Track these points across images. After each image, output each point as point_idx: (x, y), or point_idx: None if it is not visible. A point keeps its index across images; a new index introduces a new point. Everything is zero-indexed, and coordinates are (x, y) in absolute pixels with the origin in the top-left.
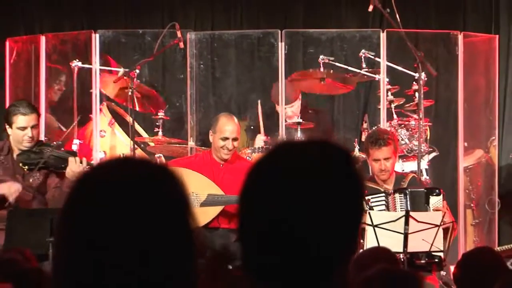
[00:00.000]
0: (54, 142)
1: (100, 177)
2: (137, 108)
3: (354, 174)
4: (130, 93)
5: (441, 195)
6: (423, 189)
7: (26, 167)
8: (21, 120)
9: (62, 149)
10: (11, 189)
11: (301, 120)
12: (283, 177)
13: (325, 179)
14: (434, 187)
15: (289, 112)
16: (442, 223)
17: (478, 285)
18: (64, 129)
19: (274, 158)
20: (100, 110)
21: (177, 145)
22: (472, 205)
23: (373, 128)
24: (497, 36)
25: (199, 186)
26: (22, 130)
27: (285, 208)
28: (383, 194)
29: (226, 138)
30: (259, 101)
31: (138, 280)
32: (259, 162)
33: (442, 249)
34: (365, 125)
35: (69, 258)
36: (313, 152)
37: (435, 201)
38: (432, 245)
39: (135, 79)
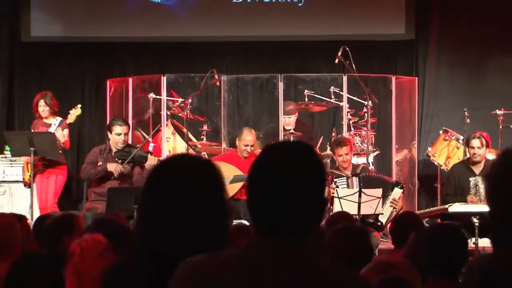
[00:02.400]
0: (138, 145)
1: (168, 166)
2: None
3: (320, 163)
4: (186, 114)
5: (403, 188)
6: (386, 179)
7: (120, 160)
8: (118, 129)
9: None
10: (116, 168)
11: (293, 131)
12: (281, 165)
13: (306, 167)
14: (399, 182)
15: (287, 121)
16: (381, 196)
17: (404, 234)
18: (146, 136)
19: (269, 153)
20: (166, 124)
21: (215, 146)
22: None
23: (338, 135)
24: (416, 78)
25: (228, 171)
26: (118, 135)
27: (280, 187)
28: (345, 178)
29: (246, 145)
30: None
31: (200, 233)
32: (259, 155)
33: (382, 212)
34: (333, 134)
35: (146, 218)
36: (299, 150)
37: (397, 191)
38: (376, 210)
39: (188, 105)
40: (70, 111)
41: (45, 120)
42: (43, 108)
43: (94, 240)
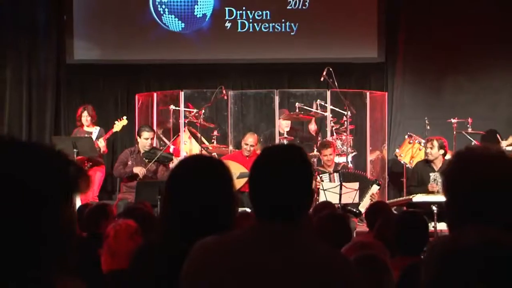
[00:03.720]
0: (161, 148)
1: (186, 164)
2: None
3: (308, 162)
4: (199, 122)
5: (380, 185)
6: (366, 176)
7: (147, 160)
8: (146, 134)
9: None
10: (140, 171)
11: (286, 135)
12: (277, 164)
13: (297, 165)
14: (378, 179)
15: (284, 124)
16: (358, 188)
17: (376, 220)
18: (167, 142)
19: (267, 153)
20: (184, 130)
21: (223, 148)
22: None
23: (323, 139)
24: (386, 93)
25: (235, 168)
26: (146, 140)
27: (276, 181)
28: (328, 173)
29: (247, 144)
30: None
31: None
32: (259, 155)
33: (359, 202)
34: (319, 138)
35: (167, 207)
36: (291, 151)
37: (375, 187)
38: (353, 199)
39: (202, 115)
40: (116, 122)
41: (85, 128)
42: (85, 118)
43: (126, 224)
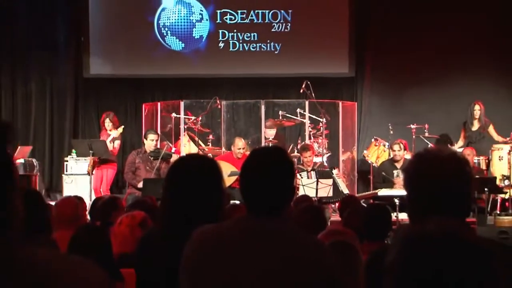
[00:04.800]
0: (164, 148)
1: (183, 162)
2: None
3: (290, 162)
4: (197, 127)
5: (336, 169)
6: (328, 169)
7: (152, 158)
8: (151, 136)
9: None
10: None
11: (272, 139)
12: (264, 164)
13: (281, 165)
14: (333, 166)
15: (269, 132)
16: (331, 184)
17: (345, 210)
18: (170, 144)
19: (255, 154)
20: (184, 135)
21: (217, 150)
22: (344, 176)
23: (303, 143)
24: (356, 102)
25: (227, 167)
26: (151, 141)
27: (263, 178)
28: (306, 171)
29: (238, 148)
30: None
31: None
32: (248, 156)
33: (332, 195)
34: (299, 141)
35: (166, 200)
36: (276, 153)
37: (335, 171)
38: (328, 193)
39: (199, 121)
40: (117, 128)
41: (109, 132)
42: (108, 123)
43: (131, 215)
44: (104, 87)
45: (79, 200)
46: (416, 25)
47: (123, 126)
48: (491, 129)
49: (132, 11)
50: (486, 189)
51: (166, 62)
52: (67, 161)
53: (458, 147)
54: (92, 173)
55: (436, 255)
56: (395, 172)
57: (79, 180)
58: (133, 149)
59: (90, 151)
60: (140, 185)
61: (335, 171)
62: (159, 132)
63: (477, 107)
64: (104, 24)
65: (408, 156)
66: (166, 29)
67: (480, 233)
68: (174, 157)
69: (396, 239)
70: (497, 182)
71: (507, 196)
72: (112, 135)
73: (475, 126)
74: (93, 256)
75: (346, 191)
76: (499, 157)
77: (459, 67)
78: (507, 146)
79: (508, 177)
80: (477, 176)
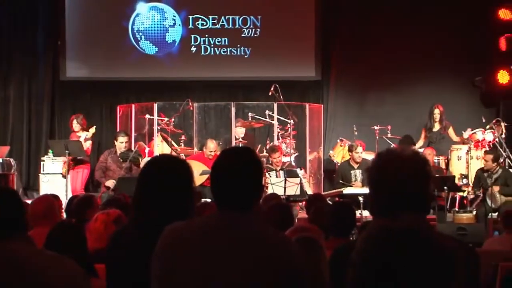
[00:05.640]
0: (136, 148)
1: (156, 162)
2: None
3: (259, 162)
4: (170, 128)
5: (302, 170)
6: (295, 169)
7: (122, 160)
8: (121, 138)
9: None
10: (111, 184)
11: (241, 139)
12: (235, 164)
13: (250, 164)
14: (300, 167)
15: (239, 131)
16: (299, 183)
17: (311, 207)
18: (144, 145)
19: (226, 154)
20: (157, 135)
21: (189, 150)
22: (311, 175)
23: (271, 144)
24: (322, 105)
25: (199, 167)
26: (121, 143)
27: (233, 177)
28: (274, 171)
29: (210, 151)
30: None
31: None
32: (219, 156)
33: (300, 193)
34: (268, 142)
35: (138, 198)
36: (245, 153)
37: (300, 172)
38: (296, 191)
39: (172, 122)
40: (89, 129)
41: (77, 134)
42: (75, 125)
43: (106, 213)
44: (80, 89)
45: (54, 198)
46: (379, 32)
47: (95, 126)
48: (450, 131)
49: (108, 16)
50: (445, 187)
51: (140, 66)
52: (43, 160)
53: (418, 147)
54: (67, 175)
55: (395, 249)
56: (352, 172)
57: (55, 179)
58: (105, 150)
59: (66, 151)
60: (108, 183)
61: (301, 172)
62: (133, 133)
63: (436, 110)
64: (80, 28)
65: (366, 156)
66: (140, 33)
67: (440, 230)
68: (145, 159)
69: (362, 235)
70: (456, 180)
71: (465, 194)
72: (83, 136)
73: (436, 127)
74: (69, 253)
75: (309, 192)
76: (458, 157)
77: (420, 71)
78: (465, 147)
79: (466, 176)
80: (437, 175)
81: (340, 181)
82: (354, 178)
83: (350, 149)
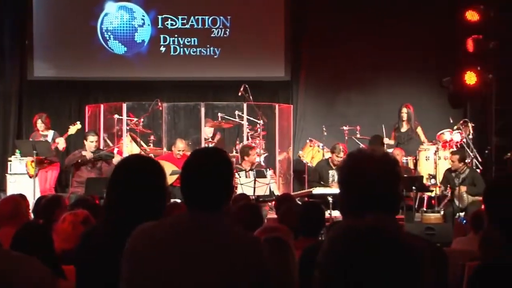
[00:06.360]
0: (104, 148)
1: (127, 162)
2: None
3: (229, 162)
4: (139, 128)
5: (271, 170)
6: (264, 168)
7: (93, 159)
8: (91, 138)
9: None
10: (88, 153)
11: (211, 140)
12: (205, 165)
13: (220, 165)
14: (268, 167)
15: (208, 132)
16: (268, 183)
17: (281, 207)
18: (111, 144)
19: (196, 155)
20: (126, 135)
21: (158, 150)
22: (281, 176)
23: (242, 143)
24: (291, 105)
25: (168, 167)
26: (91, 142)
27: (203, 177)
28: (244, 171)
29: (179, 150)
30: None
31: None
32: (189, 157)
33: (268, 193)
34: (238, 142)
35: (110, 198)
36: (216, 154)
37: (269, 172)
38: (265, 191)
39: (141, 122)
40: (71, 126)
41: (41, 133)
42: (40, 124)
43: (74, 213)
44: (48, 89)
45: (22, 198)
46: (348, 32)
47: (79, 122)
48: (419, 131)
49: (76, 15)
50: (414, 187)
51: (109, 66)
52: (10, 161)
53: (387, 147)
54: (34, 175)
55: (363, 249)
56: (330, 172)
57: (23, 179)
58: (72, 148)
59: (34, 151)
60: (84, 153)
61: (269, 172)
62: (102, 133)
63: (404, 110)
64: (48, 28)
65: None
66: (109, 33)
67: (408, 230)
68: (117, 157)
69: (329, 234)
70: (424, 181)
71: (433, 194)
72: (50, 135)
73: (404, 128)
74: (36, 254)
75: (276, 192)
76: (426, 157)
77: (389, 72)
78: (433, 147)
79: (434, 176)
80: (405, 175)
81: (321, 182)
82: (332, 178)
83: (333, 150)
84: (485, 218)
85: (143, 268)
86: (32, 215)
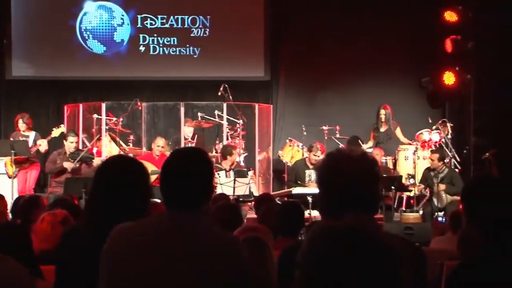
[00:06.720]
0: (84, 149)
1: (110, 162)
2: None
3: (209, 162)
4: (118, 128)
5: (251, 171)
6: (245, 169)
7: (72, 160)
8: (71, 139)
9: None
10: (69, 165)
11: (190, 139)
12: (185, 165)
13: (200, 165)
14: (249, 168)
15: (187, 132)
16: (248, 183)
17: (260, 207)
18: (88, 144)
19: (176, 155)
20: (105, 135)
21: (138, 150)
22: (260, 176)
23: (221, 143)
24: (271, 105)
25: (148, 166)
26: (71, 143)
27: (183, 177)
28: (224, 170)
29: (158, 146)
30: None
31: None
32: (169, 156)
33: (249, 193)
34: (217, 142)
35: (93, 199)
36: (196, 154)
37: (250, 172)
38: (245, 191)
39: (120, 122)
40: (54, 128)
41: (22, 133)
42: (21, 124)
43: (53, 213)
44: (26, 89)
45: (0, 198)
46: (327, 32)
47: (63, 125)
48: (398, 131)
49: (55, 15)
50: (393, 187)
51: (88, 65)
52: None
53: (367, 147)
54: (14, 177)
55: (342, 249)
56: (307, 172)
57: (1, 179)
58: (55, 150)
59: (12, 151)
60: (66, 164)
61: (250, 173)
62: (81, 133)
63: (383, 111)
64: (27, 27)
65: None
66: (88, 32)
67: (387, 229)
68: (96, 160)
69: (308, 234)
70: (403, 180)
71: (412, 194)
72: (31, 136)
73: (383, 128)
74: (14, 254)
75: (256, 193)
76: (405, 157)
77: (368, 72)
78: (412, 147)
79: (413, 176)
80: (384, 175)
81: (298, 182)
82: (308, 178)
83: (310, 149)
84: (463, 218)
85: (120, 269)
86: (10, 216)
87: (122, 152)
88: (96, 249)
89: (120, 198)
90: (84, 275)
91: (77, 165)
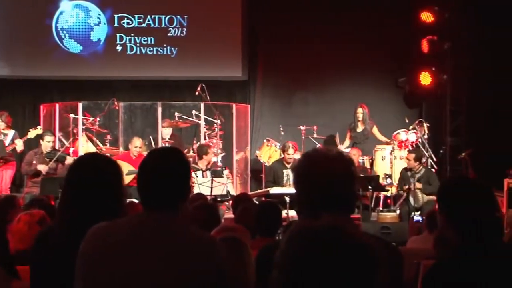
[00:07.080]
0: (60, 149)
1: (82, 161)
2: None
3: (187, 162)
4: (95, 128)
5: (227, 170)
6: (221, 168)
7: (48, 159)
8: (48, 138)
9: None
10: (43, 168)
11: (168, 139)
12: (162, 165)
13: (177, 165)
14: (225, 167)
15: (166, 131)
16: (226, 183)
17: (238, 207)
18: (66, 143)
19: (153, 155)
20: (82, 135)
21: (115, 150)
22: (238, 175)
23: (199, 143)
24: (249, 105)
25: (124, 166)
26: (47, 142)
27: (160, 177)
28: (201, 170)
29: (135, 147)
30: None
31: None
32: (146, 156)
33: (226, 193)
34: (195, 141)
35: (65, 198)
36: (173, 154)
37: (226, 171)
38: (222, 191)
39: (97, 122)
40: (31, 129)
41: (2, 131)
42: (0, 123)
43: (29, 213)
44: (2, 88)
45: None
46: (304, 32)
47: (39, 127)
48: (375, 130)
49: (30, 13)
50: (370, 187)
51: (64, 64)
52: None
53: (344, 147)
54: None
55: (319, 249)
56: (284, 171)
57: None
58: (30, 150)
59: None
60: (40, 167)
61: (225, 172)
62: (57, 132)
63: (360, 110)
64: (2, 26)
65: (297, 156)
66: (64, 32)
67: (364, 229)
68: (69, 159)
69: (286, 235)
70: (380, 180)
71: (389, 194)
72: (10, 134)
73: (360, 128)
74: None
75: (232, 192)
76: (382, 157)
77: (345, 72)
78: (389, 147)
79: (390, 176)
80: (361, 175)
81: (272, 182)
82: (286, 177)
83: (283, 149)
84: (438, 217)
85: (96, 269)
86: None
87: (98, 152)
88: (70, 248)
89: (92, 196)
90: (59, 275)
91: (54, 165)
